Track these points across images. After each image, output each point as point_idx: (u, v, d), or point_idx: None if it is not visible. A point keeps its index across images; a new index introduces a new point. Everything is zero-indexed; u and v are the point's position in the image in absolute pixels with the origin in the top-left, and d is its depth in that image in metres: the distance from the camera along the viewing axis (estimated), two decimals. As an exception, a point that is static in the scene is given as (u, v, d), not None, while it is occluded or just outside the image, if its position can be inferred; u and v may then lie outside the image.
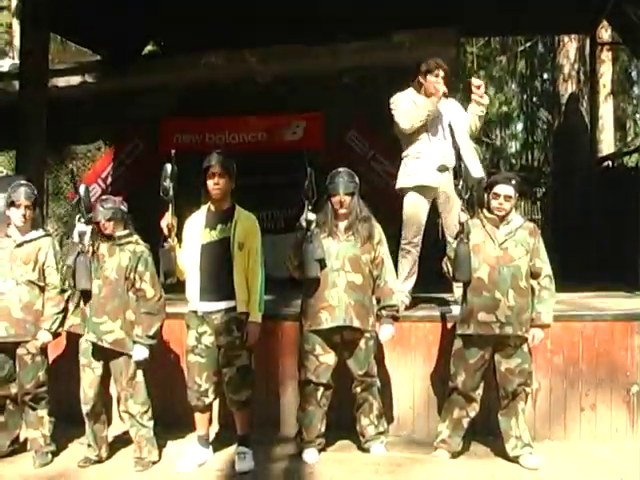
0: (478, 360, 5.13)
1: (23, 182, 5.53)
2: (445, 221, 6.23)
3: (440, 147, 6.09)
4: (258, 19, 9.67)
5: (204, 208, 5.30)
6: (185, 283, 5.24)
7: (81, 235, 5.21)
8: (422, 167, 6.05)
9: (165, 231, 5.06)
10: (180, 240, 5.20)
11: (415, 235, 6.17)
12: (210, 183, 5.15)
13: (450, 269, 5.22)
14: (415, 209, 6.17)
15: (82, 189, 5.37)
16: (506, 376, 5.11)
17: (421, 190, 6.11)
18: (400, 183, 6.26)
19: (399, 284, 6.03)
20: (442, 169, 6.03)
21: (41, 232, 5.52)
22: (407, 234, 6.19)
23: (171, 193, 5.02)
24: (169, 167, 5.01)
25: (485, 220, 5.21)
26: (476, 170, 6.01)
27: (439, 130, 6.15)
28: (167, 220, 5.05)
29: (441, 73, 6.12)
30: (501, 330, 5.02)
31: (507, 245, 5.11)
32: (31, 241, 5.42)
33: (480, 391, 5.22)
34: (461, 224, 5.13)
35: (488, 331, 5.05)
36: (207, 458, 5.34)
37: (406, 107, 6.08)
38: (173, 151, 5.01)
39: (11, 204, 5.35)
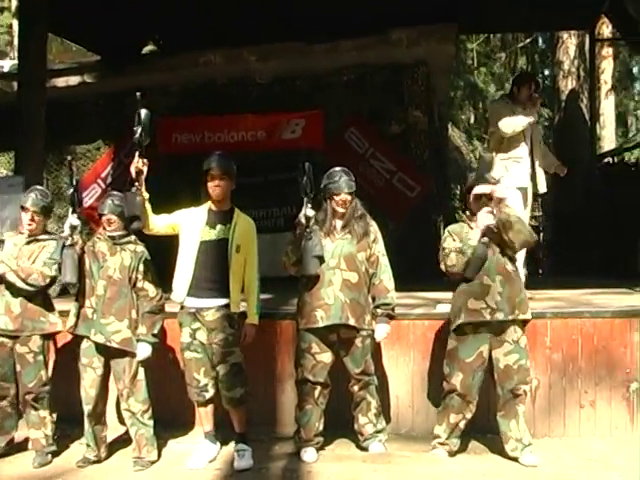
0: (476, 359, 5.08)
1: (37, 188, 5.60)
2: None
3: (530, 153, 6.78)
4: (257, 17, 9.67)
5: (205, 206, 5.31)
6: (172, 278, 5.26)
7: (72, 228, 5.19)
8: (520, 170, 6.71)
9: (133, 175, 4.89)
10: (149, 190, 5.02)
11: None
12: (211, 185, 5.18)
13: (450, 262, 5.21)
14: (516, 207, 6.38)
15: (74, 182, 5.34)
16: (505, 373, 5.06)
17: (518, 190, 6.65)
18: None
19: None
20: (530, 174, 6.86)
21: (50, 236, 5.56)
22: None
23: (137, 135, 4.77)
24: (143, 112, 4.78)
25: (468, 221, 5.29)
26: (542, 186, 6.98)
27: (529, 137, 6.83)
28: (135, 164, 4.87)
29: (533, 85, 6.89)
30: (492, 316, 5.00)
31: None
32: (39, 241, 5.46)
33: (477, 393, 5.18)
34: (487, 227, 5.10)
35: (478, 318, 5.02)
36: (217, 454, 5.36)
37: (506, 114, 6.69)
38: (138, 94, 4.86)
39: (21, 208, 5.43)
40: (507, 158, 6.79)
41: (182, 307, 5.24)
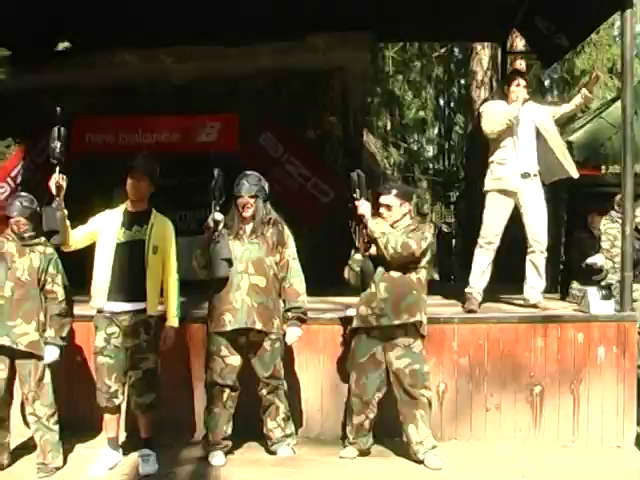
0: (368, 359, 5.23)
1: None
2: (529, 226, 6.46)
3: (524, 153, 6.44)
4: (175, 19, 9.57)
5: (121, 207, 5.29)
6: (91, 283, 5.22)
7: None
8: (505, 173, 6.41)
9: (53, 190, 4.89)
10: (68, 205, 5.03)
11: (495, 235, 6.46)
12: (129, 183, 5.18)
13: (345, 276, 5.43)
14: (495, 211, 6.47)
15: None
16: (397, 377, 5.21)
17: (502, 194, 6.44)
18: (485, 186, 6.58)
19: (473, 281, 6.40)
20: (525, 176, 6.40)
21: None
22: (487, 233, 6.50)
23: (57, 152, 4.82)
24: (59, 129, 4.83)
25: None
26: (573, 170, 6.53)
27: (523, 136, 6.47)
28: (55, 179, 4.87)
29: (521, 81, 6.55)
30: (377, 321, 5.16)
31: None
32: None
33: (379, 394, 5.29)
34: (362, 241, 5.31)
35: (366, 323, 5.22)
36: (118, 461, 5.30)
37: (491, 114, 6.47)
38: (58, 109, 4.87)
39: None
40: (491, 161, 6.57)
41: (99, 310, 5.17)
